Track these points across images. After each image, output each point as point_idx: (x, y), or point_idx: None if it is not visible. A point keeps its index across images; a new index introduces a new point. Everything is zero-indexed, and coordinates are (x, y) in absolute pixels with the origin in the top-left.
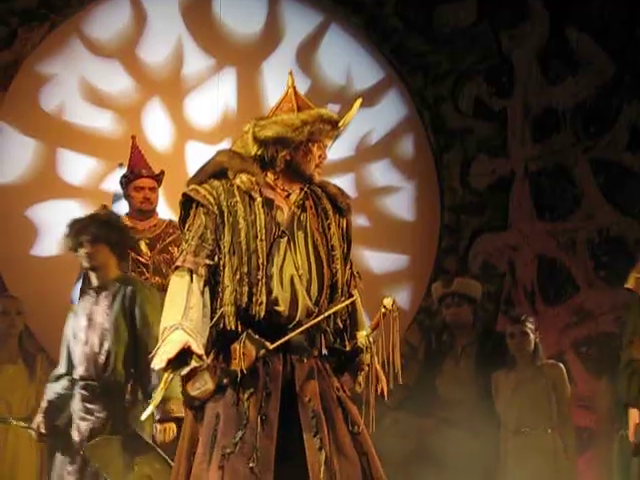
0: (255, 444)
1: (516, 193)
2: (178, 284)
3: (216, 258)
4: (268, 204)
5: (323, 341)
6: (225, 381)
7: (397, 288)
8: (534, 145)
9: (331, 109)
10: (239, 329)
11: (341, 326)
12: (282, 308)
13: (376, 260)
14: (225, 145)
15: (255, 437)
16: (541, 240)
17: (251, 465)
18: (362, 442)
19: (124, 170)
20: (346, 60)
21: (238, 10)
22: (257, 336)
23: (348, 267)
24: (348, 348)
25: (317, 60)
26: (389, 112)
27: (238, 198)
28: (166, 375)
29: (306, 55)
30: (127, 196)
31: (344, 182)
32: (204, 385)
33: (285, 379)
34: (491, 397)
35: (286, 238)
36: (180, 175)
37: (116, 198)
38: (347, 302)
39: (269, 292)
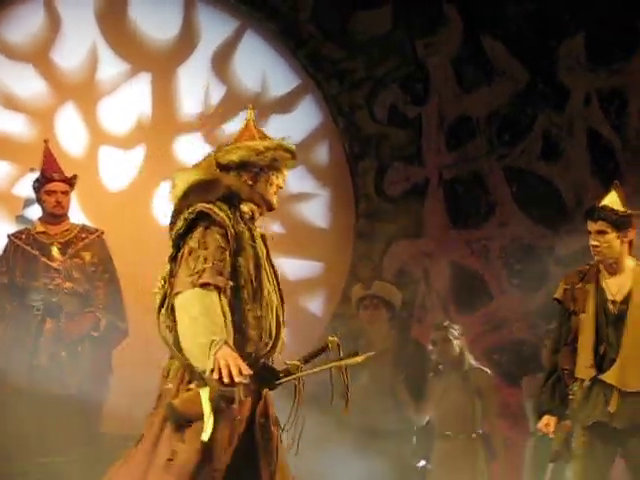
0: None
1: (430, 201)
2: (211, 300)
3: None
4: (262, 236)
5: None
6: (221, 404)
7: (311, 295)
8: (449, 153)
9: (246, 115)
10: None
11: None
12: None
13: (290, 267)
14: (139, 151)
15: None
16: (455, 248)
17: None
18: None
19: (36, 174)
20: (261, 66)
21: (153, 15)
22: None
23: None
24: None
25: (232, 66)
26: (304, 119)
27: (242, 224)
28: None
29: (221, 61)
30: (39, 200)
31: None
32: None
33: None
34: (409, 403)
35: (265, 271)
36: (92, 180)
37: (29, 203)
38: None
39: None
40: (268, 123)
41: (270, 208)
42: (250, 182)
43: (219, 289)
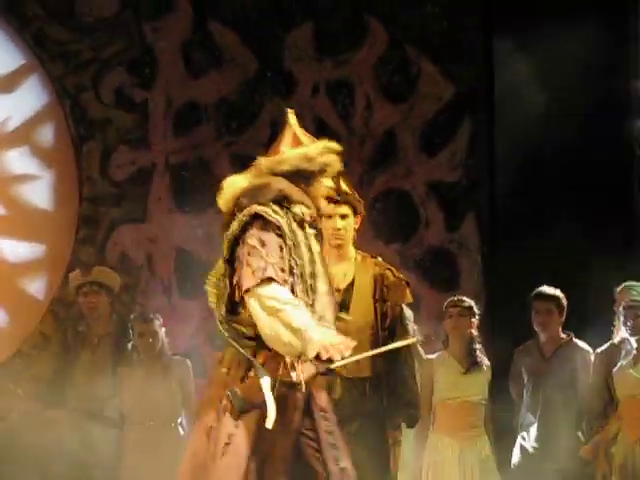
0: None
1: (156, 185)
2: (285, 291)
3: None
4: (317, 236)
5: None
6: (282, 390)
7: (33, 277)
8: (176, 138)
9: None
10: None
11: None
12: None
13: (11, 248)
14: None
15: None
16: (180, 233)
17: None
18: None
19: None
20: None
21: None
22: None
23: None
24: None
25: None
26: (28, 99)
27: (296, 224)
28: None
29: None
30: None
31: None
32: None
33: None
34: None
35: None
36: None
37: None
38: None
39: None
40: None
41: (319, 211)
42: (303, 186)
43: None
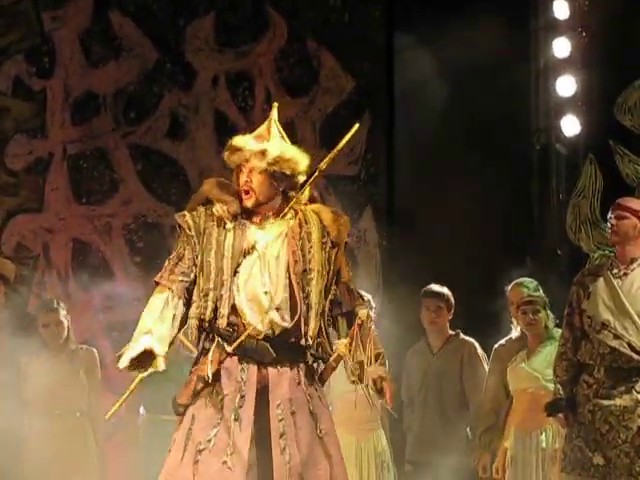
0: (229, 441)
1: (54, 175)
2: (156, 298)
3: (192, 276)
4: (241, 227)
5: (307, 352)
6: (200, 386)
7: None
8: (74, 128)
9: None
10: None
11: (323, 340)
12: (245, 321)
13: None
14: None
15: (229, 434)
16: (77, 224)
17: (224, 459)
18: (328, 445)
19: None
20: None
21: None
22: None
23: (331, 291)
24: (332, 357)
25: None
26: None
27: (214, 222)
28: (140, 376)
29: None
30: None
31: None
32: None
33: (261, 385)
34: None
35: (256, 256)
36: None
37: None
38: None
39: (232, 306)
40: None
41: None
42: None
43: (168, 287)
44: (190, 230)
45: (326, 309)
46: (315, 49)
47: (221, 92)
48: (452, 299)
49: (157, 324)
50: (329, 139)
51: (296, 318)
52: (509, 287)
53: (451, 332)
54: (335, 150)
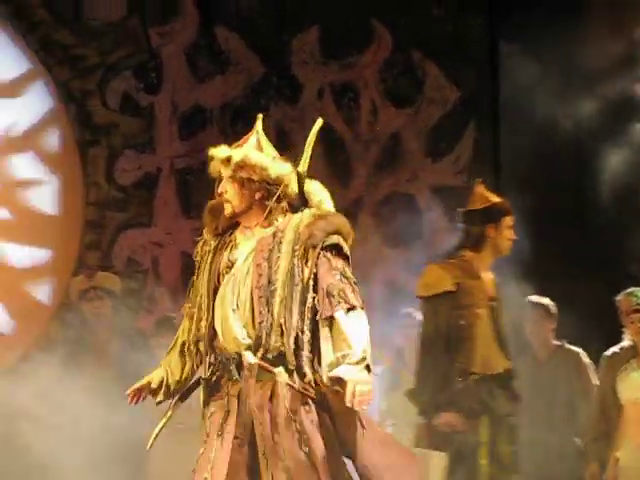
0: (210, 456)
1: (162, 190)
2: (180, 326)
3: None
4: (224, 245)
5: (282, 365)
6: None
7: (39, 282)
8: (181, 142)
9: None
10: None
11: (310, 355)
12: (219, 342)
13: (18, 254)
14: None
15: (212, 451)
16: (186, 238)
17: (205, 476)
18: (314, 461)
19: None
20: None
21: None
22: None
23: (298, 308)
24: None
25: None
26: (34, 104)
27: (206, 246)
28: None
29: None
30: None
31: None
32: None
33: (241, 399)
34: None
35: (232, 274)
36: None
37: None
38: None
39: (211, 327)
40: None
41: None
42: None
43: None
44: (196, 257)
45: (306, 317)
46: (419, 60)
47: (327, 104)
48: (554, 309)
49: (170, 353)
50: (434, 150)
51: (256, 334)
52: (620, 297)
53: (556, 342)
54: (308, 149)
